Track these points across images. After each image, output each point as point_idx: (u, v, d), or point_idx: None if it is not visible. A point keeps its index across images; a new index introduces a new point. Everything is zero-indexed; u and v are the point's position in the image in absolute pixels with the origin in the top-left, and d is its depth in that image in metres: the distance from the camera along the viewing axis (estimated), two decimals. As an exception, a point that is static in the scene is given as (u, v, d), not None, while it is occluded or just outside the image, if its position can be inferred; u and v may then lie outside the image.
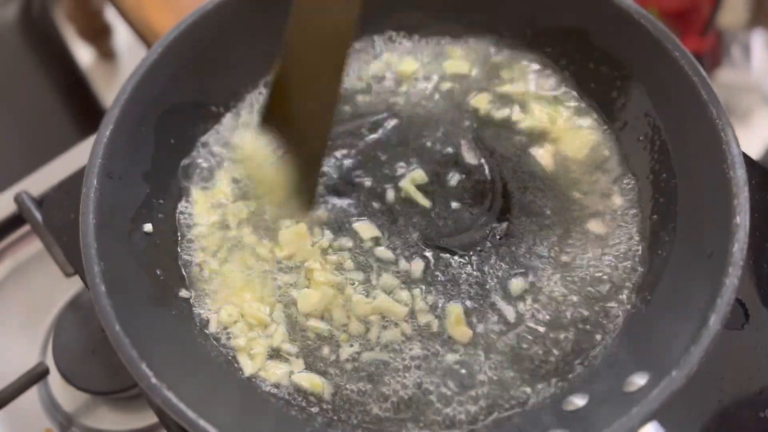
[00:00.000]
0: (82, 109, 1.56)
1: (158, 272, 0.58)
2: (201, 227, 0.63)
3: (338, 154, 0.66)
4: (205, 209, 0.63)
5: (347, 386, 0.55)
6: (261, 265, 0.61)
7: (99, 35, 2.14)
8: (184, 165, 0.64)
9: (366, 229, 0.62)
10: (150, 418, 0.68)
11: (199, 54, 0.63)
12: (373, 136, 0.67)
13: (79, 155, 0.84)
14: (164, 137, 0.62)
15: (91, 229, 0.52)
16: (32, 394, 0.70)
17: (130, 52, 2.14)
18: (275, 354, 0.57)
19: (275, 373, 0.56)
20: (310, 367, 0.56)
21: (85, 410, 0.69)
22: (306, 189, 0.60)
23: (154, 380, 0.47)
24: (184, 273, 0.60)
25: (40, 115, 1.43)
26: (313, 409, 0.54)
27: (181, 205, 0.63)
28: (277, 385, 0.55)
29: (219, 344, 0.57)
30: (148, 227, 0.59)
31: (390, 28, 0.72)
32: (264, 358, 0.56)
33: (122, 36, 2.14)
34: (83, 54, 2.10)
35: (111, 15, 2.03)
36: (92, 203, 0.54)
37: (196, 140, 0.65)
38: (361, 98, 0.69)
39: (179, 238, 0.62)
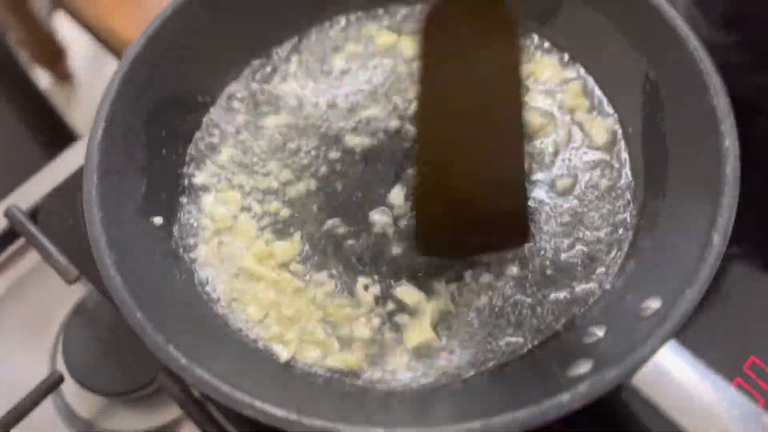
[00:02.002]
0: (48, 132, 1.54)
1: (173, 262, 0.58)
2: (208, 218, 0.63)
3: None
4: (210, 200, 0.64)
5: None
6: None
7: (54, 58, 2.11)
8: (178, 157, 0.64)
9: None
10: (171, 414, 0.68)
11: (181, 44, 0.63)
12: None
13: (58, 169, 0.83)
14: (155, 130, 0.62)
15: (98, 221, 0.53)
16: (48, 407, 0.69)
17: (88, 72, 2.11)
18: (309, 338, 0.57)
19: (310, 355, 0.56)
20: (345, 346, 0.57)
21: (103, 414, 0.69)
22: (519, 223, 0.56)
23: (184, 361, 0.47)
24: (200, 262, 0.61)
25: (4, 143, 1.41)
26: (348, 381, 0.55)
27: (186, 198, 0.64)
28: (311, 365, 0.56)
29: (245, 331, 0.58)
30: (158, 220, 0.60)
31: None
32: (298, 343, 0.57)
33: (78, 57, 2.12)
34: (42, 78, 2.07)
35: (64, 35, 2.00)
36: (95, 198, 0.54)
37: (186, 132, 0.66)
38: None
39: (190, 229, 0.62)
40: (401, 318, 0.57)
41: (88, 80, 2.11)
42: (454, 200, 0.53)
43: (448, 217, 0.54)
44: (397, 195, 0.62)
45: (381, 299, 0.58)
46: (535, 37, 0.69)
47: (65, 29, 2.01)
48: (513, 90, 0.48)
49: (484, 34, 0.45)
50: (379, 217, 0.62)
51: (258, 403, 0.45)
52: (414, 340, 0.55)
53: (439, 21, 0.45)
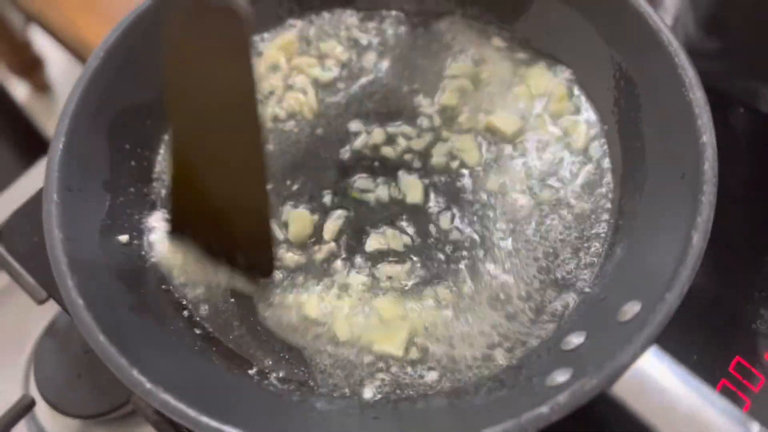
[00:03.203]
0: (23, 143, 1.52)
1: (138, 281, 0.56)
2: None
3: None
4: None
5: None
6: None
7: (31, 69, 2.09)
8: (144, 170, 0.62)
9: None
10: (147, 434, 0.66)
11: (141, 54, 0.61)
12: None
13: (27, 183, 0.81)
14: (118, 143, 0.60)
15: (59, 243, 0.51)
16: (21, 431, 0.67)
17: (66, 82, 2.09)
18: None
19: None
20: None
21: (78, 437, 0.67)
22: (263, 258, 0.57)
23: (149, 385, 0.45)
24: (166, 280, 0.59)
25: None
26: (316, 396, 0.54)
27: (152, 212, 0.62)
28: (283, 380, 0.54)
29: (211, 343, 0.56)
30: (123, 238, 0.58)
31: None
32: None
33: (56, 67, 2.09)
34: (19, 90, 2.05)
35: (41, 46, 1.98)
36: (55, 218, 0.52)
37: (152, 143, 0.64)
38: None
39: (156, 246, 0.60)
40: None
41: (65, 91, 2.08)
42: (204, 202, 0.54)
43: (200, 216, 0.55)
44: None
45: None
46: (519, 52, 0.68)
47: (42, 40, 1.98)
48: (248, 113, 0.48)
49: (217, 51, 0.46)
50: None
51: (228, 428, 0.44)
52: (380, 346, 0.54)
53: (180, 29, 0.46)
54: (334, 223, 0.60)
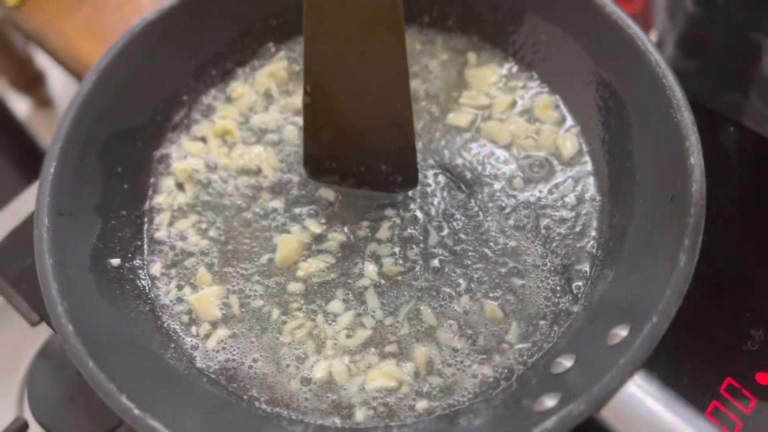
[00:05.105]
0: (25, 158, 1.53)
1: (129, 306, 0.56)
2: (168, 257, 0.61)
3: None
4: (166, 236, 0.62)
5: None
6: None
7: (32, 84, 2.10)
8: (136, 192, 0.63)
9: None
10: (140, 456, 0.66)
11: (132, 77, 0.61)
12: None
13: (23, 204, 0.81)
14: (111, 166, 0.60)
15: (49, 269, 0.51)
16: (14, 452, 0.67)
17: (68, 97, 2.10)
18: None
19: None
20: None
21: (72, 459, 0.67)
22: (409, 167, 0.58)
23: (137, 412, 0.46)
24: (157, 305, 0.59)
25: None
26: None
27: (143, 235, 0.62)
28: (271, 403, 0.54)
29: (208, 371, 0.56)
30: (115, 261, 0.58)
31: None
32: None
33: (57, 82, 2.10)
34: (20, 105, 2.06)
35: (42, 62, 1.99)
36: (46, 243, 0.52)
37: (144, 165, 0.64)
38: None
39: (147, 269, 0.60)
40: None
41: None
42: (342, 127, 0.56)
43: (336, 143, 0.57)
44: None
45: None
46: (505, 66, 0.68)
47: (43, 55, 1.99)
48: (394, 29, 0.49)
49: None
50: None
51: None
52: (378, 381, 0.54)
53: None
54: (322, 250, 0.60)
